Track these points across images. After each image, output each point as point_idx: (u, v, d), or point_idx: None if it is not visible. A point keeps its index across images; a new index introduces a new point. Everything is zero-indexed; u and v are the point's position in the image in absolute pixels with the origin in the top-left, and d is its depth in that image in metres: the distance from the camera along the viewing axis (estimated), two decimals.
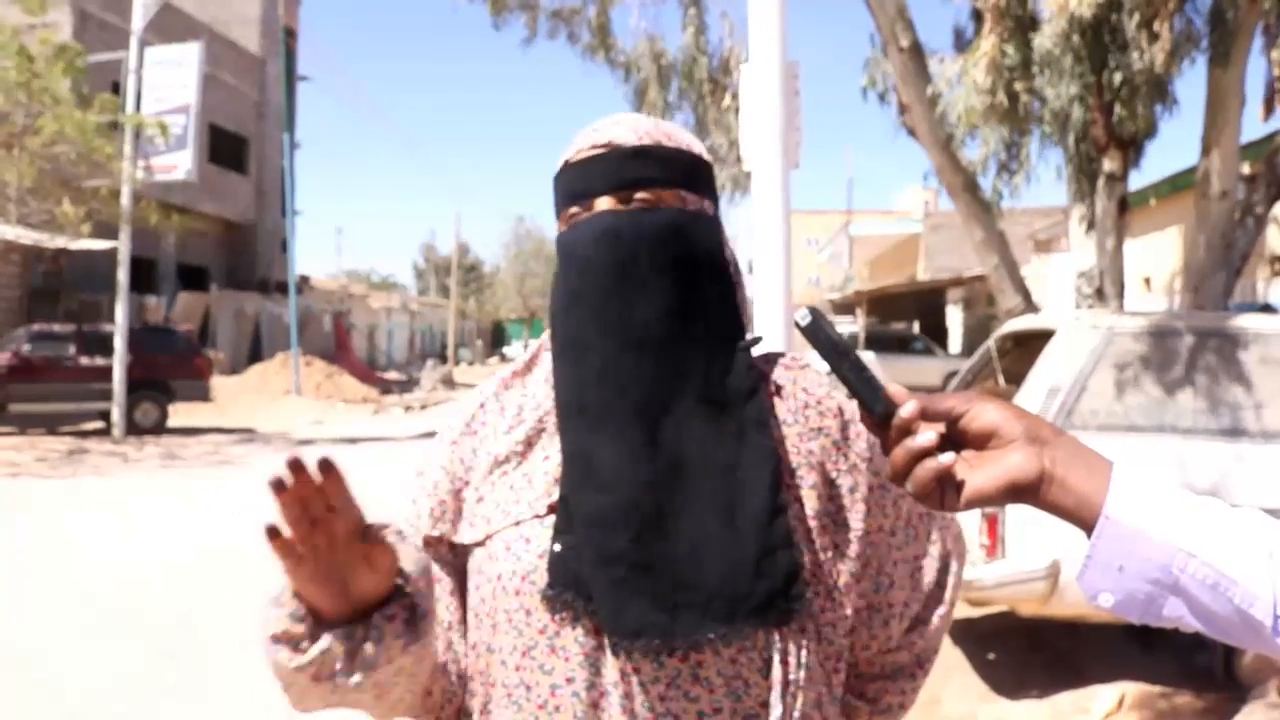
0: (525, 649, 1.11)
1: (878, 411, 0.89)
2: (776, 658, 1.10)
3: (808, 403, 1.21)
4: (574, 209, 1.17)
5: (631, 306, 1.11)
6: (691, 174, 1.19)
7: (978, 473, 0.87)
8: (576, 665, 1.08)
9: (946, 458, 0.87)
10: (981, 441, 0.88)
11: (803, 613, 1.09)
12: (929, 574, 1.26)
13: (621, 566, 1.05)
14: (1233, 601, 0.81)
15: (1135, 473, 0.86)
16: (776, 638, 1.10)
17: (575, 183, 1.17)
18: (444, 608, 1.20)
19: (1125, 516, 0.83)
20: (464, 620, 1.20)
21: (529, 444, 1.18)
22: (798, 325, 0.94)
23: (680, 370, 1.11)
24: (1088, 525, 0.86)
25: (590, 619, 1.08)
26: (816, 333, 0.92)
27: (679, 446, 1.09)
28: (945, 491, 0.88)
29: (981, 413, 0.88)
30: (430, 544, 1.21)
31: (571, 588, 1.08)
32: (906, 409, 0.88)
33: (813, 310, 0.93)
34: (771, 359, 1.24)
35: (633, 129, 1.18)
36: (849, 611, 1.18)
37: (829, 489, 1.18)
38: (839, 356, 0.91)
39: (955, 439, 0.89)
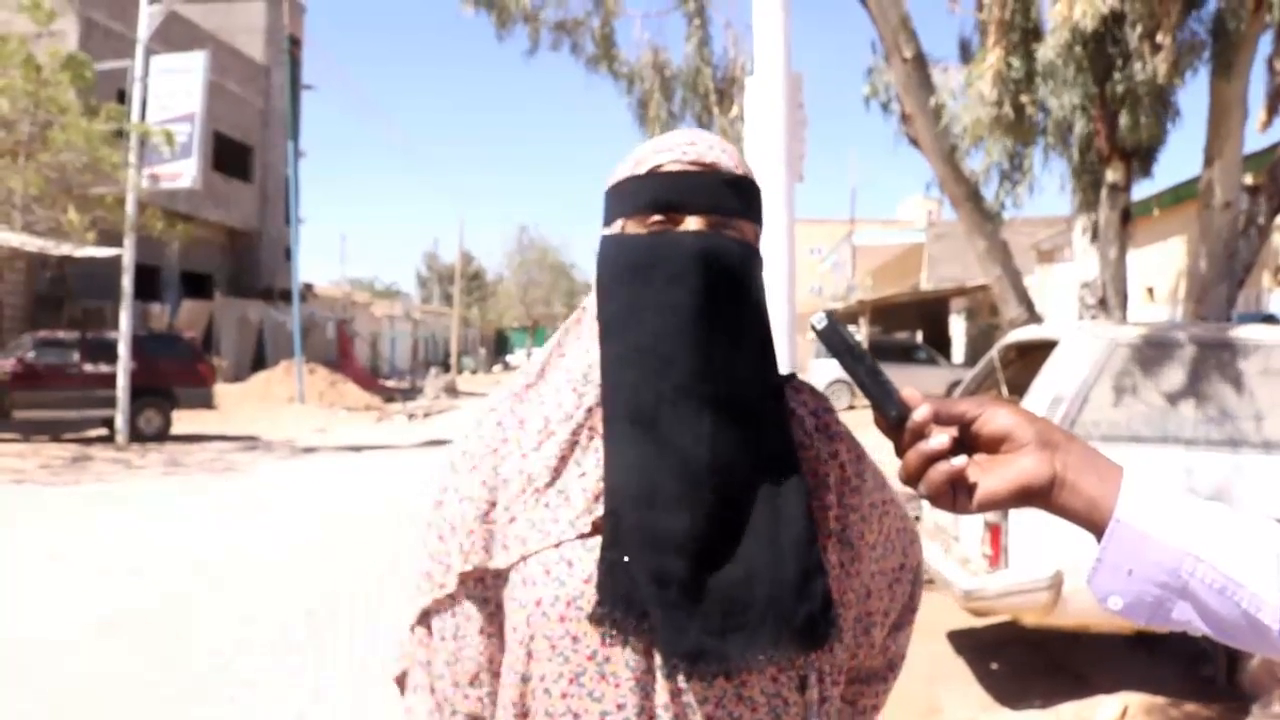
0: (573, 676, 1.08)
1: (892, 415, 0.91)
2: (813, 676, 1.13)
3: (817, 426, 1.23)
4: (658, 217, 1.14)
5: (713, 328, 1.11)
6: (762, 209, 1.21)
7: (990, 476, 0.88)
8: (627, 690, 1.07)
9: (959, 461, 0.88)
10: (994, 445, 0.90)
11: (835, 633, 1.12)
12: (904, 585, 1.31)
13: (679, 588, 1.05)
14: (1240, 606, 0.82)
15: (1145, 478, 0.87)
16: (814, 657, 1.13)
17: (669, 193, 1.15)
18: (473, 650, 1.17)
19: (1135, 520, 0.84)
20: (493, 658, 1.17)
21: (563, 459, 1.15)
22: (814, 329, 0.95)
23: (740, 396, 1.12)
24: (1098, 529, 0.87)
25: (640, 640, 1.07)
26: (832, 337, 0.93)
27: (733, 471, 1.09)
28: (957, 494, 0.89)
29: (994, 417, 0.90)
30: (465, 580, 1.17)
31: (623, 606, 1.06)
32: (920, 413, 0.89)
33: (830, 314, 0.94)
34: (786, 381, 1.26)
35: (729, 155, 1.18)
36: (850, 624, 1.22)
37: (840, 510, 1.21)
38: (855, 360, 0.93)
39: (968, 443, 0.91)
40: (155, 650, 5.90)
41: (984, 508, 0.89)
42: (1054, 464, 0.88)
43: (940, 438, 0.89)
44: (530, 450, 1.15)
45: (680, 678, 1.06)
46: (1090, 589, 0.87)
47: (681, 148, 1.17)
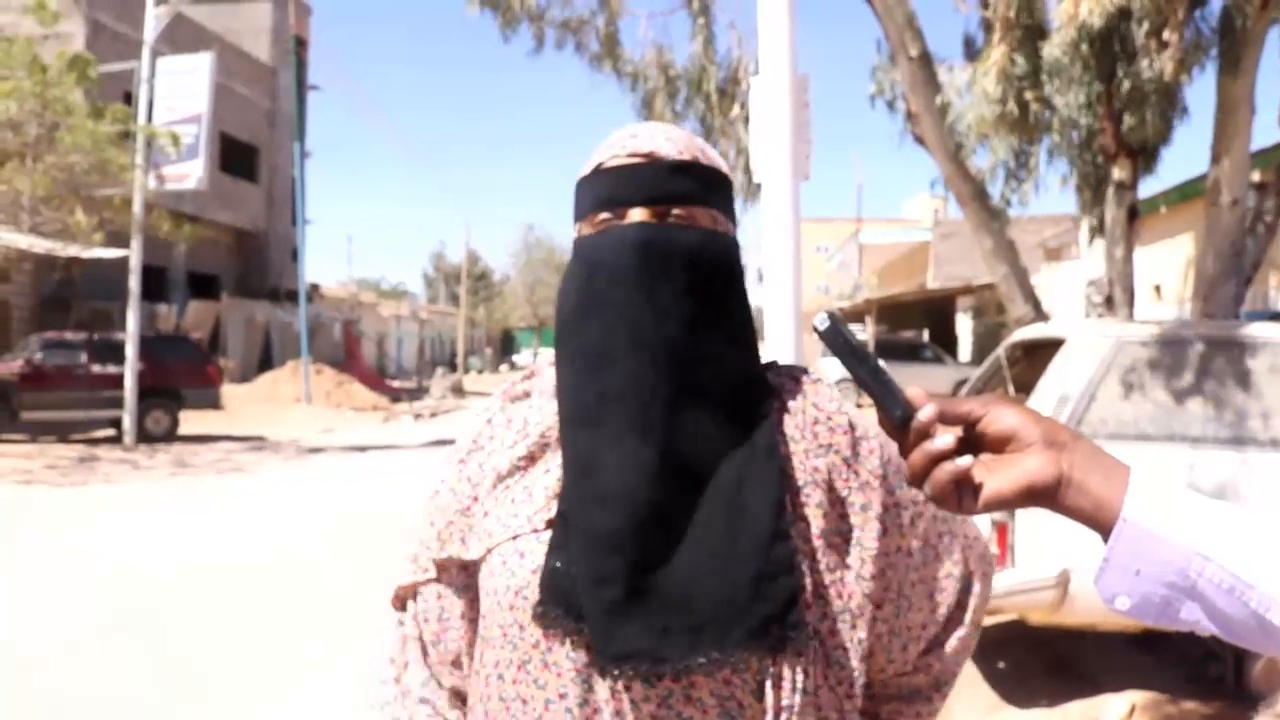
0: (520, 663, 1.10)
1: (896, 415, 0.90)
2: (769, 682, 1.07)
3: (817, 418, 1.18)
4: (605, 215, 1.14)
5: (659, 322, 1.09)
6: (722, 194, 1.18)
7: (995, 476, 0.87)
8: (569, 681, 1.07)
9: (965, 461, 0.88)
10: (999, 445, 0.89)
11: (800, 639, 1.06)
12: (948, 595, 1.23)
13: (617, 588, 1.03)
14: (1249, 606, 0.81)
15: (1153, 477, 0.87)
16: (769, 662, 1.07)
17: (610, 189, 1.14)
18: (455, 634, 1.21)
19: (1142, 520, 0.84)
20: (473, 642, 1.20)
21: (532, 458, 1.17)
22: (816, 329, 0.94)
23: (699, 390, 1.09)
24: (1105, 529, 0.86)
25: (580, 638, 1.06)
26: (835, 337, 0.92)
27: (688, 468, 1.07)
28: (963, 495, 0.88)
29: (999, 416, 0.89)
30: (442, 567, 1.21)
31: (562, 606, 1.06)
32: (925, 412, 0.88)
33: (831, 315, 0.93)
34: (782, 373, 1.23)
35: (673, 142, 1.16)
36: (864, 634, 1.14)
37: (837, 507, 1.15)
38: (858, 360, 0.92)
39: (973, 442, 0.90)
40: (160, 651, 5.91)
41: (990, 508, 0.88)
42: (1060, 464, 0.87)
43: (946, 438, 0.88)
44: (507, 449, 1.18)
45: (614, 677, 1.04)
46: (1097, 589, 0.86)
47: (623, 142, 1.16)
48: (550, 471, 1.15)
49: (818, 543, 1.12)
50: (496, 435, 1.21)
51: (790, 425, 1.16)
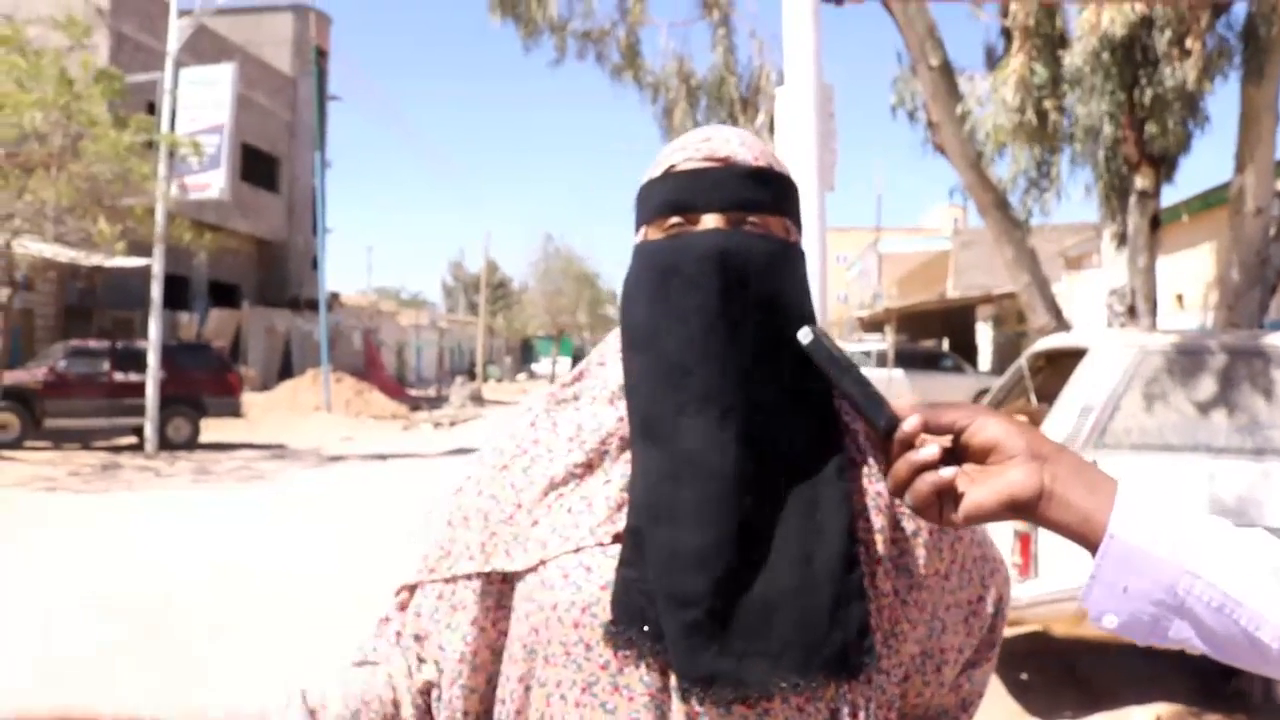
0: (586, 685, 1.04)
1: (881, 425, 0.90)
2: (846, 709, 1.04)
3: (875, 441, 1.11)
4: (676, 220, 1.09)
5: (738, 333, 1.05)
6: (794, 203, 1.14)
7: (977, 487, 0.87)
8: (641, 706, 1.02)
9: (948, 472, 0.87)
10: (983, 456, 0.88)
11: (872, 665, 1.03)
12: (983, 618, 1.19)
13: (699, 610, 0.99)
14: (1239, 624, 0.80)
15: (1140, 491, 0.85)
16: (846, 689, 1.04)
17: (682, 193, 1.09)
18: (458, 638, 1.13)
19: (1130, 536, 0.82)
20: (477, 652, 1.14)
21: (590, 466, 1.11)
22: (799, 343, 0.94)
23: (775, 406, 1.05)
24: (1091, 544, 0.85)
25: (656, 659, 1.01)
26: (819, 349, 0.93)
27: (765, 487, 1.03)
28: (944, 506, 0.88)
29: (983, 427, 0.88)
30: (473, 577, 1.14)
31: (638, 625, 1.01)
32: (909, 423, 0.88)
33: (814, 328, 0.94)
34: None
35: (748, 147, 1.11)
36: (903, 659, 1.11)
37: (895, 533, 1.11)
38: (842, 371, 0.93)
39: (957, 454, 0.89)
40: (177, 659, 5.94)
41: (970, 520, 0.87)
42: (1042, 476, 0.86)
43: (930, 448, 0.87)
44: (560, 454, 1.12)
45: (698, 701, 1.00)
46: (1085, 607, 0.85)
47: (696, 144, 1.11)
48: (611, 481, 1.10)
49: (877, 569, 1.08)
50: (542, 440, 1.15)
51: (852, 447, 1.11)
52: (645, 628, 1.01)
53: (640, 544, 1.03)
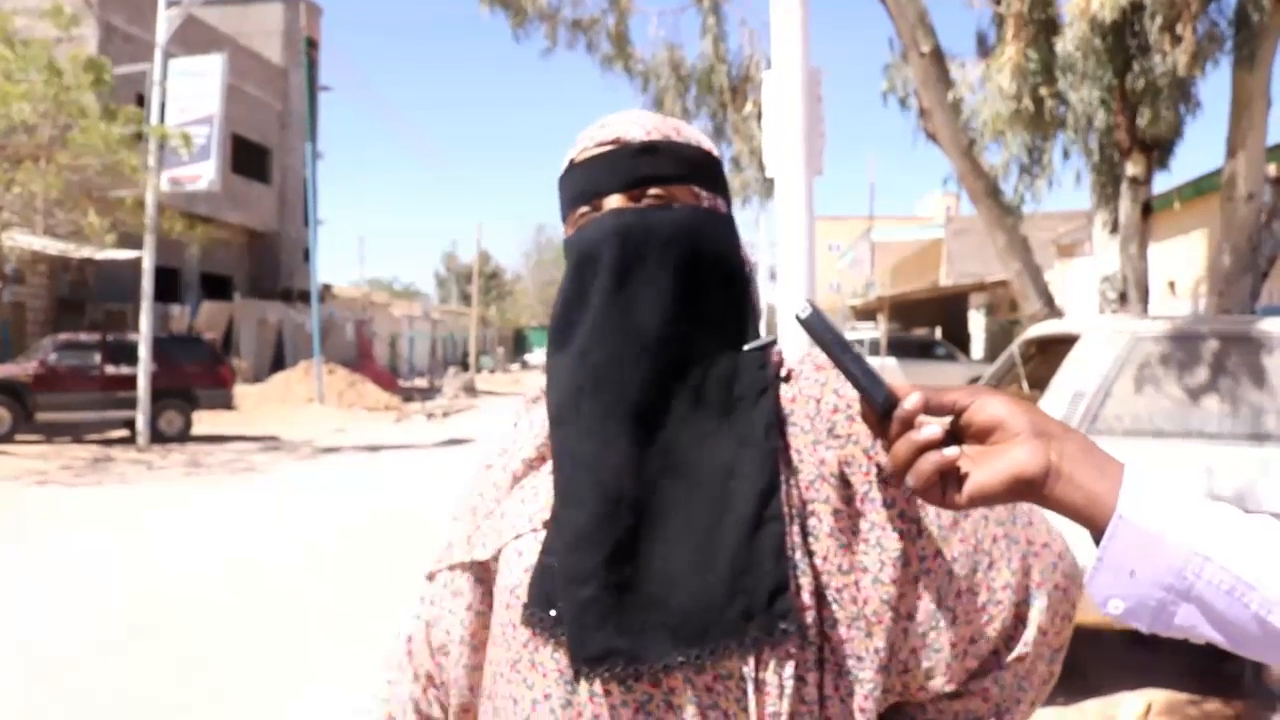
0: (513, 662, 1.08)
1: (880, 404, 0.88)
2: (751, 687, 0.98)
3: (836, 406, 1.07)
4: (582, 209, 1.11)
5: (634, 309, 1.05)
6: (704, 169, 1.13)
7: (981, 468, 0.84)
8: (553, 683, 1.04)
9: (951, 451, 0.85)
10: (985, 436, 0.86)
11: (788, 632, 0.97)
12: (1003, 608, 1.08)
13: (592, 586, 0.98)
14: (1249, 608, 0.78)
15: (1148, 474, 0.83)
16: (754, 663, 0.98)
17: (582, 182, 1.11)
18: (457, 622, 1.19)
19: (1139, 518, 0.80)
20: (475, 634, 1.19)
21: (542, 458, 1.15)
22: (797, 319, 0.93)
23: (683, 376, 1.04)
24: (1097, 526, 0.82)
25: (561, 639, 1.02)
26: (816, 326, 0.91)
27: (670, 457, 1.02)
28: (947, 487, 0.86)
29: (985, 406, 0.86)
30: (459, 568, 1.21)
31: (546, 606, 1.03)
32: (910, 401, 0.86)
33: (811, 304, 0.92)
34: (804, 359, 1.14)
35: (639, 124, 1.12)
36: (881, 644, 1.03)
37: (852, 504, 1.05)
38: (840, 349, 0.90)
39: (958, 434, 0.87)
40: (178, 651, 5.93)
41: (975, 501, 0.85)
42: (1049, 454, 0.83)
43: (932, 427, 0.85)
44: (526, 450, 1.17)
45: (598, 680, 0.99)
46: (1089, 592, 0.83)
47: (591, 133, 1.13)
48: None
49: (828, 542, 1.02)
50: (520, 439, 1.19)
51: (800, 413, 1.08)
52: (553, 611, 1.03)
53: (554, 527, 1.06)
